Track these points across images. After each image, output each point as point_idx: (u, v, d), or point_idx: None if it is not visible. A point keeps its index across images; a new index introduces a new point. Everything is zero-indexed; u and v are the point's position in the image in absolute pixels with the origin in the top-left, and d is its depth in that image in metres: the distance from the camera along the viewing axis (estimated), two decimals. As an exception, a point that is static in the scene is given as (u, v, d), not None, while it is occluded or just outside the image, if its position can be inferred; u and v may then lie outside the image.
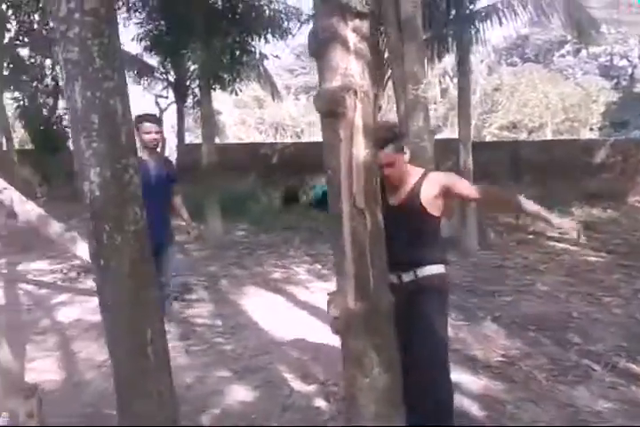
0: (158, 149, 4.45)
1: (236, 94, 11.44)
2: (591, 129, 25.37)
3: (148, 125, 4.18)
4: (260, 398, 3.48)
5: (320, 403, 3.33)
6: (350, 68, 2.03)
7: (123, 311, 1.53)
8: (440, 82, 26.24)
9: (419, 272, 2.71)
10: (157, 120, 4.36)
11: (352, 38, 2.02)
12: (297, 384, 3.65)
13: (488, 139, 24.76)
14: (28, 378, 3.68)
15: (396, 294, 2.30)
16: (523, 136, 24.62)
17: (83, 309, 5.28)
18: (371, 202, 2.10)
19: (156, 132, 4.22)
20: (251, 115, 30.99)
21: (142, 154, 4.22)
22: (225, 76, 10.27)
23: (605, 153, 13.32)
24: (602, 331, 4.51)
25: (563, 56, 37.65)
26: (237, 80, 11.01)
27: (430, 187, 2.67)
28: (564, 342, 4.29)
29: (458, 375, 3.67)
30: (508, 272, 6.43)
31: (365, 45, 2.07)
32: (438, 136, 22.44)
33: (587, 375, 3.71)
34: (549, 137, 23.34)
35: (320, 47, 2.09)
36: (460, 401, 3.34)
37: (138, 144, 4.37)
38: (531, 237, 8.48)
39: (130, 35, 12.26)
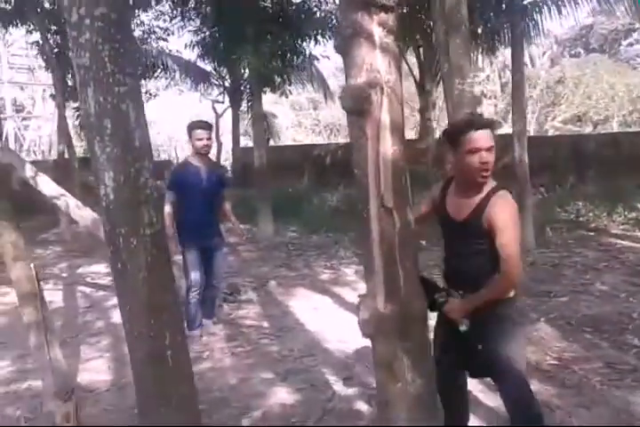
0: (210, 155, 4.65)
1: (287, 97, 11.51)
2: (660, 121, 24.19)
3: (199, 132, 4.33)
4: (301, 401, 3.46)
5: (361, 406, 3.28)
6: (376, 63, 1.98)
7: (140, 316, 1.53)
8: (500, 76, 25.63)
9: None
10: (208, 126, 4.47)
11: (377, 32, 1.97)
12: (339, 387, 3.61)
13: (551, 133, 24.00)
14: (80, 379, 3.82)
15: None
16: (588, 129, 23.72)
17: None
18: (399, 201, 2.05)
19: (207, 139, 4.36)
20: (306, 117, 31.22)
21: (194, 159, 4.42)
22: (275, 78, 10.36)
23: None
24: (664, 333, 4.26)
25: (630, 45, 36.04)
26: (288, 82, 11.09)
27: (492, 212, 2.35)
28: (622, 345, 4.08)
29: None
30: (565, 271, 6.17)
31: (392, 40, 2.02)
32: (499, 131, 21.94)
33: (645, 380, 3.51)
34: (616, 130, 22.36)
35: (345, 43, 2.05)
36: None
37: (191, 150, 4.53)
38: (592, 234, 8.12)
39: (185, 42, 12.59)
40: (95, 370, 4.07)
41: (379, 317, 2.06)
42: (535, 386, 3.48)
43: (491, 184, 2.41)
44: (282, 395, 3.57)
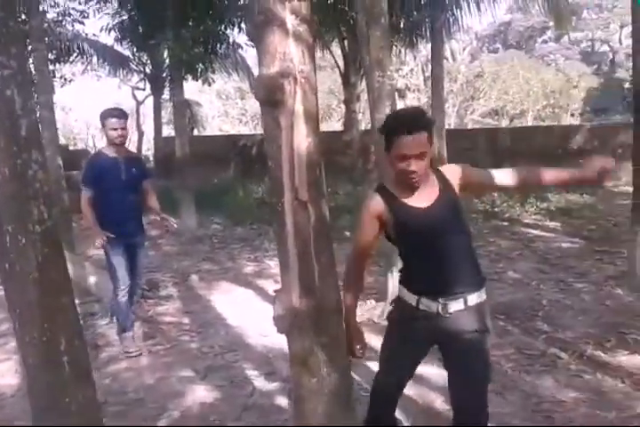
0: (127, 145, 4.36)
1: (209, 85, 11.24)
2: (572, 115, 25.49)
3: (112, 121, 4.04)
4: (221, 399, 3.40)
5: (282, 401, 3.25)
6: (289, 52, 1.93)
7: (31, 320, 1.42)
8: (424, 70, 26.15)
9: (470, 299, 2.15)
10: (123, 115, 4.18)
11: (290, 20, 1.93)
12: (260, 382, 3.57)
13: (470, 126, 24.78)
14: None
15: (431, 324, 2.15)
16: (505, 123, 24.67)
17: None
18: (314, 194, 2.02)
19: (122, 128, 4.09)
20: (233, 106, 30.65)
21: (108, 150, 4.14)
22: (198, 65, 10.09)
23: (583, 138, 13.35)
24: (571, 318, 4.48)
25: (545, 42, 37.78)
26: (211, 70, 10.84)
27: (454, 181, 2.20)
28: (532, 331, 4.26)
29: (421, 368, 3.60)
30: (480, 260, 6.31)
31: (306, 28, 1.98)
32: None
33: (553, 364, 3.68)
34: (530, 123, 23.39)
35: (257, 31, 1.99)
36: (424, 395, 3.29)
37: (105, 140, 4.25)
38: (506, 224, 8.45)
39: (102, 25, 12.05)
40: (0, 374, 3.83)
41: (293, 312, 2.03)
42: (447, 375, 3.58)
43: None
44: (201, 393, 3.49)
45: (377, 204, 2.19)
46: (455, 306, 2.12)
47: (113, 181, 4.08)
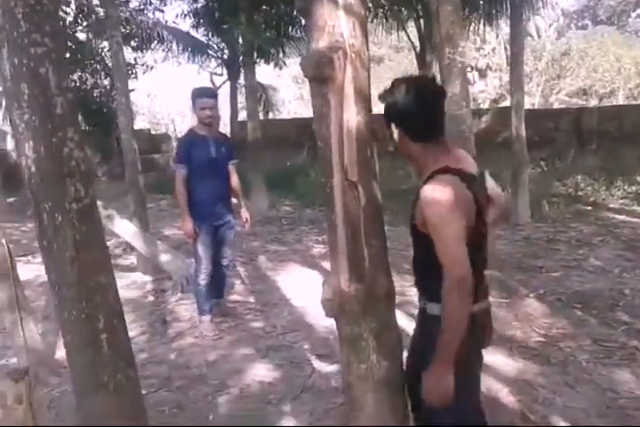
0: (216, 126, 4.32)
1: (280, 68, 11.25)
2: (668, 93, 23.74)
3: (203, 101, 3.97)
4: (280, 378, 3.41)
5: (339, 384, 3.20)
6: (339, 24, 1.84)
7: (70, 297, 1.43)
8: (506, 49, 25.14)
9: (428, 307, 1.88)
10: (214, 94, 4.12)
11: (340, -9, 1.82)
12: (319, 364, 3.55)
13: (556, 106, 23.61)
14: (59, 355, 3.75)
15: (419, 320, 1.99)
16: (593, 103, 23.33)
17: (120, 285, 5.34)
18: (364, 175, 1.93)
19: (211, 108, 4.00)
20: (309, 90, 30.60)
21: (199, 128, 4.07)
22: (269, 49, 10.12)
23: (679, 118, 12.40)
24: (656, 309, 4.17)
25: (639, 17, 35.26)
26: (282, 53, 10.84)
27: (421, 202, 1.75)
28: (611, 322, 4.00)
29: (492, 357, 3.48)
30: (559, 246, 6.06)
31: (357, 0, 1.87)
32: (503, 104, 21.62)
33: (632, 358, 3.45)
34: (621, 103, 21.97)
35: (307, 3, 1.91)
36: (492, 385, 3.16)
37: (194, 120, 4.22)
38: (589, 208, 7.98)
39: (177, 13, 12.32)
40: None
41: (342, 296, 1.96)
42: (520, 364, 3.44)
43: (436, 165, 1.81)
44: (261, 372, 3.51)
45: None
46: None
47: (205, 159, 4.00)
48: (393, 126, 1.87)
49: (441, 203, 1.67)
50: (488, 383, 3.16)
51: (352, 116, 1.88)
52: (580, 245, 6.05)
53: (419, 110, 1.79)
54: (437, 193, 1.68)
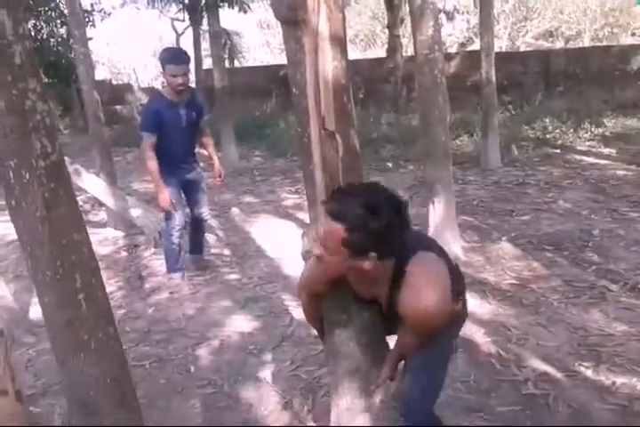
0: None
1: (245, 12, 10.86)
2: (633, 34, 23.66)
3: (172, 68, 3.67)
4: (259, 329, 3.44)
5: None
6: (312, -37, 1.73)
7: (43, 257, 1.38)
8: (473, -10, 24.60)
9: None
10: (185, 59, 3.78)
11: None
12: (298, 313, 3.56)
13: (523, 48, 23.43)
14: (34, 315, 3.72)
15: None
16: (559, 45, 23.20)
17: (92, 241, 5.26)
18: (342, 124, 1.87)
19: (183, 75, 3.72)
20: (275, 35, 29.70)
21: (168, 93, 3.84)
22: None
23: (644, 59, 12.41)
24: (623, 249, 4.28)
25: (605, -46, 34.72)
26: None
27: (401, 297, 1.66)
28: (581, 262, 4.10)
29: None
30: (528, 189, 6.13)
31: None
32: (470, 48, 21.37)
33: (602, 297, 3.55)
34: (587, 45, 21.90)
35: (275, -59, 1.79)
36: (467, 327, 3.23)
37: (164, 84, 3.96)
38: (558, 151, 8.04)
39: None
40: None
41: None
42: (493, 306, 3.53)
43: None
44: (240, 323, 3.54)
45: None
46: None
47: (174, 126, 3.84)
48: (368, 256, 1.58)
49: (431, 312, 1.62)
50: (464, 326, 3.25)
51: (328, 62, 1.81)
52: (550, 188, 6.13)
53: (395, 226, 1.55)
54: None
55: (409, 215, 1.61)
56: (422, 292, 1.59)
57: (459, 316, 1.93)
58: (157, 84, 19.47)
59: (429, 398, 1.95)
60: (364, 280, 1.76)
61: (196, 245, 4.50)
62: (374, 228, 1.49)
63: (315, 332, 3.20)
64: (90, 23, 13.36)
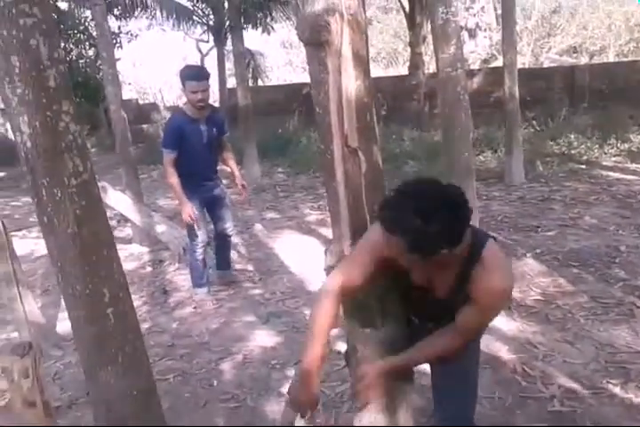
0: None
1: (268, 33, 11.03)
2: (659, 49, 23.48)
3: (194, 84, 3.72)
4: (282, 344, 3.45)
5: (341, 347, 3.23)
6: (335, -14, 1.78)
7: (73, 273, 1.42)
8: (495, 8, 24.66)
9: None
10: (204, 76, 3.83)
11: (335, -50, 1.76)
12: (321, 329, 3.59)
13: (546, 65, 23.36)
14: (61, 328, 3.78)
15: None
16: (584, 60, 23.06)
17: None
18: (365, 141, 1.90)
19: (203, 91, 3.77)
20: (298, 55, 30.06)
21: (189, 110, 3.88)
22: (256, 13, 9.89)
23: (671, 72, 12.28)
24: (652, 265, 4.22)
25: (629, -30, 34.56)
26: (270, 18, 10.60)
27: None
28: (608, 278, 4.04)
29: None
30: (553, 205, 6.07)
31: (354, -43, 1.81)
32: (493, 64, 21.38)
33: (630, 313, 3.50)
34: (612, 60, 21.74)
35: (299, -36, 1.85)
36: (490, 344, 3.21)
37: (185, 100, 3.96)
38: (583, 167, 7.96)
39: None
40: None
41: (344, 262, 1.96)
42: (518, 323, 3.49)
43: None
44: (263, 338, 3.56)
45: None
46: None
47: (196, 143, 3.89)
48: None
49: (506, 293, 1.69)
50: (488, 343, 3.22)
51: (351, 81, 1.84)
52: (575, 204, 6.07)
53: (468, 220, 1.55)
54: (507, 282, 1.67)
55: (469, 206, 1.55)
56: (502, 275, 1.64)
57: None
58: (182, 103, 19.81)
59: (472, 408, 1.96)
60: (428, 265, 1.63)
61: (223, 260, 4.54)
62: (433, 231, 1.44)
63: (338, 347, 3.24)
64: (117, 45, 13.69)
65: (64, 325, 3.74)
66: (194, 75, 3.80)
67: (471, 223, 1.59)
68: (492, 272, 1.61)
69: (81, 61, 13.83)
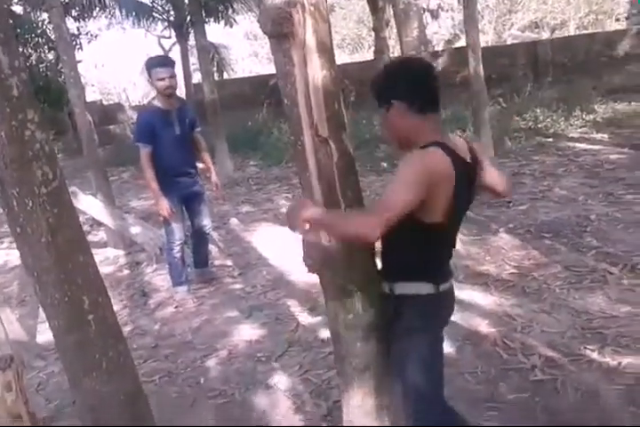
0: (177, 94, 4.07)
1: (231, 26, 10.91)
2: (617, 20, 23.76)
3: (159, 71, 3.73)
4: (266, 336, 3.47)
5: (325, 334, 3.25)
6: (295, -23, 1.77)
7: (51, 281, 1.41)
8: (456, -13, 24.71)
9: (395, 288, 1.93)
10: (170, 63, 3.85)
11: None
12: (304, 318, 3.62)
13: (509, 42, 23.52)
14: (41, 338, 3.74)
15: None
16: (545, 35, 23.29)
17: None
18: (334, 129, 1.91)
19: (170, 77, 3.77)
20: (262, 46, 29.72)
21: (159, 102, 3.87)
22: (217, 6, 9.77)
23: (630, 44, 12.47)
24: (621, 232, 4.31)
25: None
26: (231, 10, 10.49)
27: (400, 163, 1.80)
28: (581, 247, 4.13)
29: (468, 293, 3.60)
30: (523, 180, 6.16)
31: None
32: (457, 44, 21.44)
33: (604, 280, 3.58)
34: (572, 33, 21.99)
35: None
36: (470, 320, 3.28)
37: (153, 91, 4.02)
38: (550, 140, 8.08)
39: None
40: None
41: (324, 252, 1.98)
42: (495, 297, 3.56)
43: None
44: (246, 332, 3.57)
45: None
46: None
47: (168, 134, 3.86)
48: (393, 104, 1.86)
49: (415, 164, 1.70)
50: (468, 318, 3.29)
51: (317, 71, 1.84)
52: (545, 177, 6.16)
53: (429, 81, 1.85)
54: (417, 156, 1.73)
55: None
56: (419, 152, 1.76)
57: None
58: (149, 100, 19.50)
59: (427, 392, 1.91)
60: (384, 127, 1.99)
61: (201, 258, 4.53)
62: (382, 77, 1.89)
63: (321, 335, 3.27)
64: (77, 46, 13.45)
65: (44, 334, 3.71)
66: (159, 62, 3.85)
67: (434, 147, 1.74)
68: (414, 150, 1.78)
69: (41, 66, 13.56)
